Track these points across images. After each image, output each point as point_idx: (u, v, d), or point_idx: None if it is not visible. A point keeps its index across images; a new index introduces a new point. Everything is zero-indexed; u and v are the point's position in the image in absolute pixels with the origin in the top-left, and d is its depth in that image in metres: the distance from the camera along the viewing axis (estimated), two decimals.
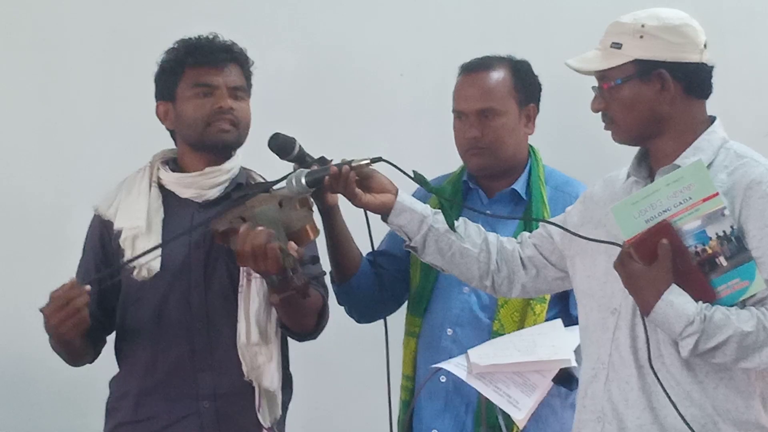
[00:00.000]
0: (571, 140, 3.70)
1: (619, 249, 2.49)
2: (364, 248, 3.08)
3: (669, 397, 2.47)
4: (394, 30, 4.06)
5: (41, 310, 2.82)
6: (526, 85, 3.25)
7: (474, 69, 3.24)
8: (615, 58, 2.55)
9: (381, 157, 2.77)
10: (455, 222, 2.82)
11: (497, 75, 3.21)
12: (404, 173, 2.75)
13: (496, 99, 3.19)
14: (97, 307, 3.04)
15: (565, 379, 3.03)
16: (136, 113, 3.52)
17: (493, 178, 3.24)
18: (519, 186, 3.23)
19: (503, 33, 3.97)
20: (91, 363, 3.11)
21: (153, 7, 4.07)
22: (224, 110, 3.00)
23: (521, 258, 2.85)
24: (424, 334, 3.24)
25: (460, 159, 3.27)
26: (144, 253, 2.92)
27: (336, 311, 3.17)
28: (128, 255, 2.99)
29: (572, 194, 3.14)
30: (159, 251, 2.96)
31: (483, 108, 3.18)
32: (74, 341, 2.92)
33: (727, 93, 3.64)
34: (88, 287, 2.82)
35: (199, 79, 3.02)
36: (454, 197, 3.24)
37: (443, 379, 3.16)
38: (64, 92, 4.08)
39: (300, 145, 2.93)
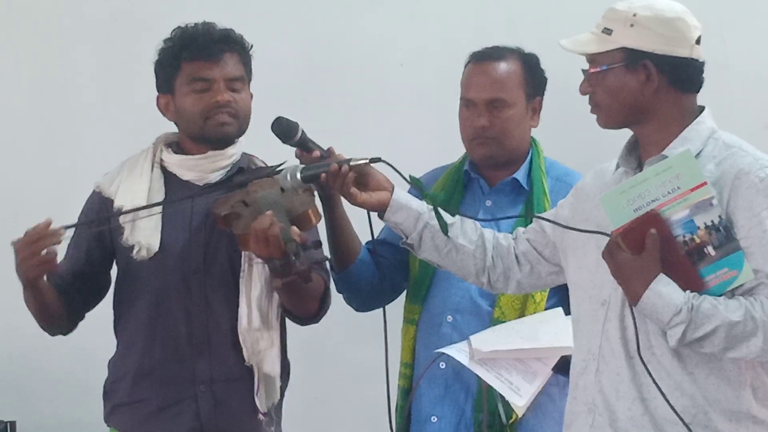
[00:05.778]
0: (571, 132, 3.69)
1: (607, 239, 2.48)
2: (364, 237, 3.08)
3: (659, 388, 2.46)
4: (393, 19, 4.06)
5: (12, 243, 2.85)
6: (534, 78, 3.25)
7: (485, 58, 3.23)
8: (604, 43, 2.54)
9: (380, 158, 2.77)
10: (451, 218, 2.80)
11: (508, 66, 3.21)
12: (402, 176, 2.75)
13: (507, 90, 3.19)
14: (81, 269, 3.08)
15: (565, 367, 3.02)
16: (136, 103, 3.53)
17: (495, 167, 3.24)
18: (520, 176, 3.23)
19: (503, 22, 3.96)
20: (65, 335, 3.12)
21: None
22: (222, 104, 3.00)
23: (516, 254, 2.83)
24: (423, 321, 3.23)
25: (463, 148, 3.27)
26: (140, 208, 2.97)
27: (335, 299, 3.17)
28: (127, 234, 3.01)
29: (573, 185, 3.13)
30: (154, 210, 2.99)
31: (493, 98, 3.18)
32: (43, 291, 2.94)
33: (727, 85, 3.66)
34: (63, 230, 2.84)
35: (196, 74, 3.02)
36: (455, 187, 3.25)
37: (443, 365, 3.16)
38: (63, 82, 4.11)
39: (303, 131, 2.94)
